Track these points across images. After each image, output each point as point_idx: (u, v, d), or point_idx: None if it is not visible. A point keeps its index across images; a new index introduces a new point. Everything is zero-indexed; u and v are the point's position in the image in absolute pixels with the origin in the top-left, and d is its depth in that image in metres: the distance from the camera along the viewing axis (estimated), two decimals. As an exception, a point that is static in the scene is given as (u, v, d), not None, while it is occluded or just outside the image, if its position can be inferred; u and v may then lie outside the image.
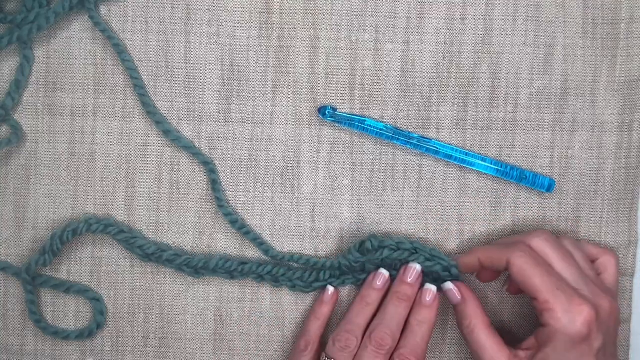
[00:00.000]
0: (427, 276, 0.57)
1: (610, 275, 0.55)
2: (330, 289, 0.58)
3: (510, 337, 0.56)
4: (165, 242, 0.58)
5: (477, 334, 0.53)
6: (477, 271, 0.56)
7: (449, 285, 0.55)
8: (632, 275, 0.59)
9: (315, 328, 0.57)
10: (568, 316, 0.50)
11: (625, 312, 0.59)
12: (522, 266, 0.51)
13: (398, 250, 0.56)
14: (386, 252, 0.56)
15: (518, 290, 0.56)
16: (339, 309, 0.59)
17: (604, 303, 0.51)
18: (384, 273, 0.57)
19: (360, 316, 0.56)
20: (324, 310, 0.57)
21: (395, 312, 0.55)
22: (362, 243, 0.57)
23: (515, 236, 0.55)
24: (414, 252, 0.56)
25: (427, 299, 0.56)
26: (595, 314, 0.50)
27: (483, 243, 0.58)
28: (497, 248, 0.54)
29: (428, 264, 0.56)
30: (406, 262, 0.57)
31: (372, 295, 0.57)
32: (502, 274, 0.57)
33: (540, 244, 0.53)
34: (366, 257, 0.57)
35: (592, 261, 0.56)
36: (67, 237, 0.57)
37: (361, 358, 0.54)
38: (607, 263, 0.55)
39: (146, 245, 0.57)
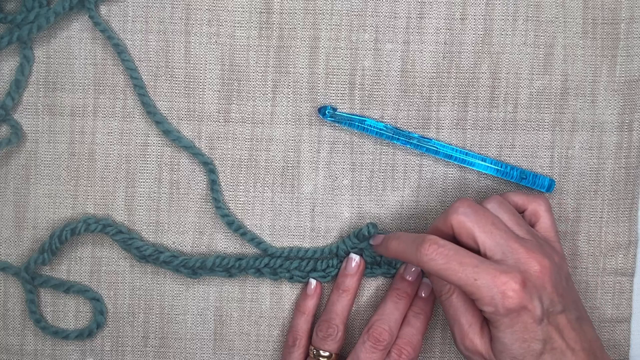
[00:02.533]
0: None
1: (543, 223, 0.54)
2: (313, 282, 0.58)
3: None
4: (163, 243, 0.58)
5: (457, 298, 0.52)
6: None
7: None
8: (632, 275, 0.59)
9: (302, 322, 0.58)
10: (495, 298, 0.48)
11: (625, 312, 0.59)
12: (433, 268, 0.49)
13: None
14: None
15: None
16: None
17: (531, 266, 0.49)
18: (355, 257, 0.57)
19: (337, 304, 0.57)
20: (309, 304, 0.58)
21: (394, 308, 0.56)
22: (361, 230, 0.57)
23: (441, 215, 0.52)
24: None
25: (424, 295, 0.56)
26: (521, 286, 0.48)
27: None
28: (407, 247, 0.51)
29: None
30: None
31: (346, 282, 0.57)
32: None
33: (460, 219, 0.51)
34: (363, 243, 0.57)
35: (522, 212, 0.54)
36: (65, 236, 0.57)
37: (359, 353, 0.55)
38: (536, 210, 0.54)
39: (143, 247, 0.57)
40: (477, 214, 0.51)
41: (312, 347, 0.56)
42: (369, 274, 0.58)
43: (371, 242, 0.57)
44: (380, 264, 0.58)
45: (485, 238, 0.50)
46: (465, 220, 0.50)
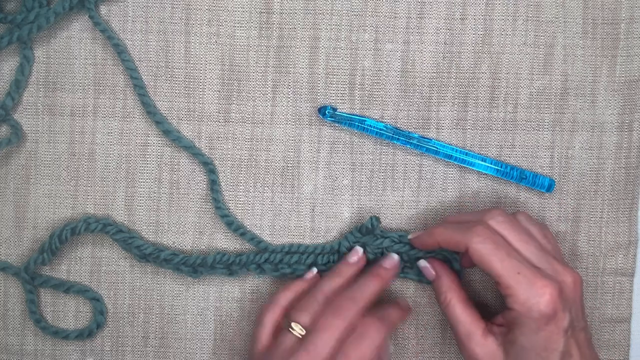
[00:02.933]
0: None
1: (554, 248, 0.54)
2: (315, 270, 0.57)
3: (491, 311, 0.57)
4: (163, 243, 0.58)
5: (453, 307, 0.53)
6: (435, 249, 0.55)
7: (422, 262, 0.56)
8: (632, 275, 0.59)
9: (287, 293, 0.55)
10: (531, 300, 0.49)
11: (625, 312, 0.59)
12: (482, 251, 0.50)
13: (399, 243, 0.57)
14: (387, 242, 0.57)
15: (471, 263, 0.55)
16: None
17: (566, 278, 0.50)
18: (359, 250, 0.57)
19: (325, 282, 0.55)
20: (300, 284, 0.56)
21: (363, 283, 0.54)
22: (364, 224, 0.57)
23: (470, 214, 0.54)
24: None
25: (386, 264, 0.56)
26: (558, 293, 0.49)
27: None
28: (455, 230, 0.52)
29: (429, 255, 0.56)
30: (407, 256, 0.57)
31: (342, 269, 0.56)
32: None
33: (497, 226, 0.52)
34: (365, 237, 0.57)
35: None
36: (65, 235, 0.57)
37: (318, 318, 0.53)
38: (547, 234, 0.54)
39: (144, 246, 0.57)
40: (511, 222, 0.52)
41: (286, 317, 0.54)
42: None
43: (409, 237, 0.56)
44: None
45: (520, 245, 0.51)
46: (501, 228, 0.51)
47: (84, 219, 0.57)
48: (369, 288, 0.54)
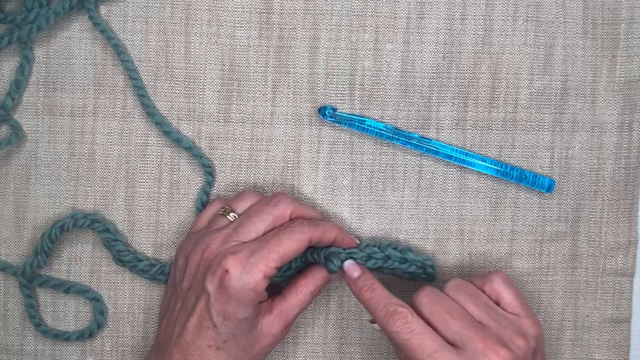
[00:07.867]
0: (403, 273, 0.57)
1: (505, 300, 0.52)
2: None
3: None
4: (163, 243, 0.58)
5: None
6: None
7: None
8: (632, 275, 0.59)
9: (234, 200, 0.56)
10: None
11: (625, 312, 0.59)
12: (395, 339, 0.50)
13: (370, 259, 0.55)
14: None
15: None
16: (325, 307, 0.59)
17: (489, 357, 0.48)
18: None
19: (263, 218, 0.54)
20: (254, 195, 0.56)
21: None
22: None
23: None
24: (387, 258, 0.55)
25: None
26: (511, 357, 0.48)
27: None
28: (378, 305, 0.51)
29: (403, 266, 0.56)
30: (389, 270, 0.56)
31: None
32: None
33: (418, 310, 0.51)
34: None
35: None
36: (55, 234, 0.56)
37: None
38: (492, 289, 0.52)
39: (123, 252, 0.57)
40: (433, 304, 0.51)
41: (225, 207, 0.55)
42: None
43: (346, 267, 0.54)
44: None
45: (441, 328, 0.50)
46: (422, 311, 0.51)
47: (71, 215, 0.57)
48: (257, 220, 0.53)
